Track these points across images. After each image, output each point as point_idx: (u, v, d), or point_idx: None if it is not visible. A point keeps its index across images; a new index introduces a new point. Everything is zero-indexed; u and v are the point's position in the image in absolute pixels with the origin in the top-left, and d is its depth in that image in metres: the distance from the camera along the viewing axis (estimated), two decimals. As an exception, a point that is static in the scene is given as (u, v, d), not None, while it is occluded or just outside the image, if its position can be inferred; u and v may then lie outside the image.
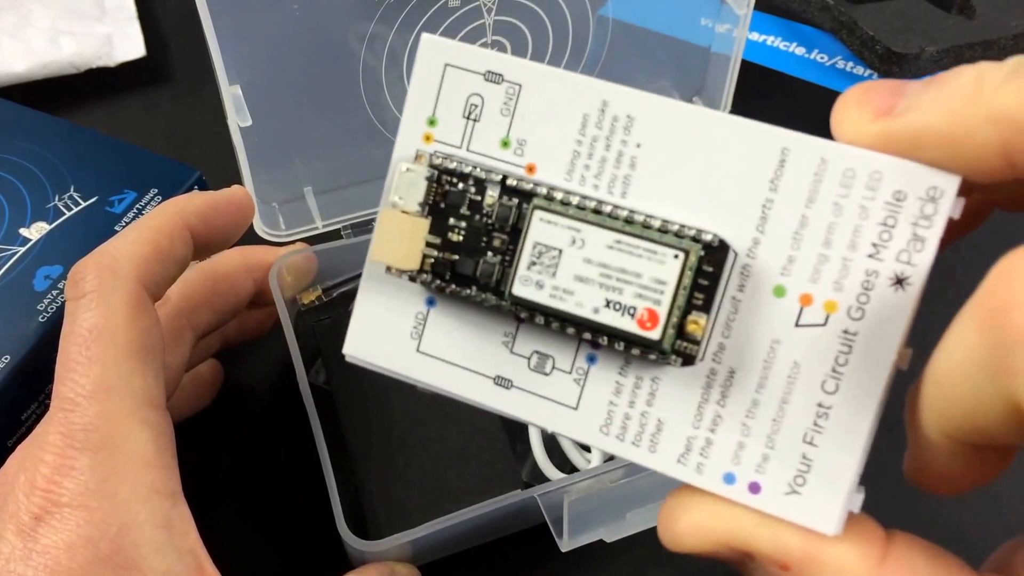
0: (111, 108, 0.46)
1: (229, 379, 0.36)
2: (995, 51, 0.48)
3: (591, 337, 0.18)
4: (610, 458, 0.33)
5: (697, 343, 0.17)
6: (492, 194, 0.18)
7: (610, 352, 0.18)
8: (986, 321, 0.13)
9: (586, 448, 0.34)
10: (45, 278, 0.31)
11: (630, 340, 0.17)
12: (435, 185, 0.18)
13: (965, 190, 0.16)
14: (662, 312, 0.17)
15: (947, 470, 0.16)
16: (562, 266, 0.17)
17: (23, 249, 0.32)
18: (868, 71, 0.49)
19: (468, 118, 0.18)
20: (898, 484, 0.18)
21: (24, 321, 0.30)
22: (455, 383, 0.19)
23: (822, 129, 0.17)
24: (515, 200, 0.18)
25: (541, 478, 0.33)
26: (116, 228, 0.32)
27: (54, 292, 0.30)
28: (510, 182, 0.18)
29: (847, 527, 0.17)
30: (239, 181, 0.36)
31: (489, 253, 0.18)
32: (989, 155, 0.15)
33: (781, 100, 0.48)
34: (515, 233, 0.18)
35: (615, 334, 0.17)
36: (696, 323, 0.17)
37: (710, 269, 0.17)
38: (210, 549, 0.24)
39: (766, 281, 0.17)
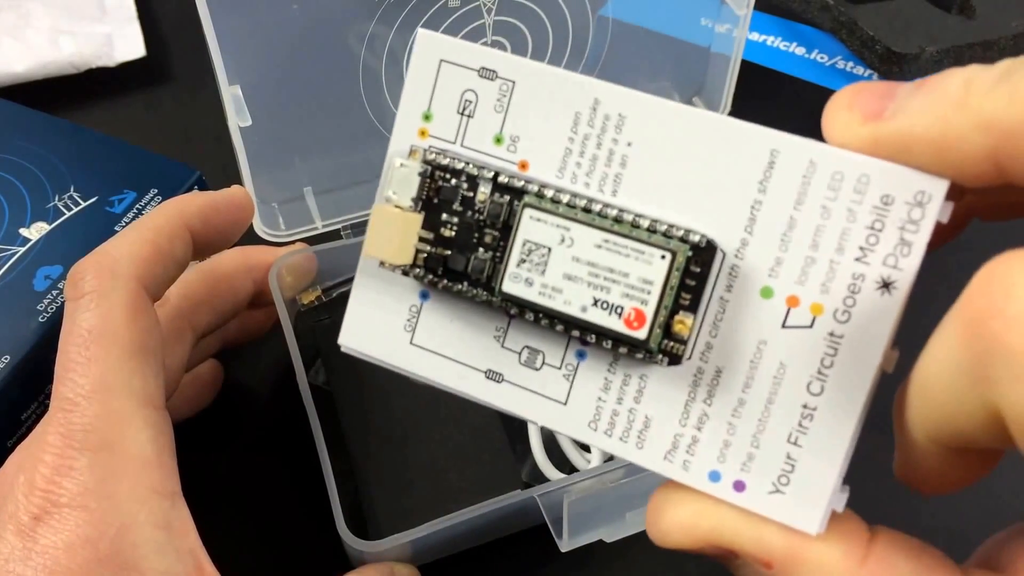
0: (111, 108, 0.46)
1: (229, 379, 0.36)
2: (995, 51, 0.48)
3: (580, 335, 0.18)
4: (610, 458, 0.33)
5: (684, 343, 0.17)
6: (484, 191, 0.18)
7: (599, 349, 0.18)
8: (967, 330, 0.13)
9: (586, 448, 0.34)
10: (45, 278, 0.31)
11: (617, 339, 0.17)
12: (428, 181, 0.18)
13: (955, 194, 0.16)
14: (649, 312, 0.17)
15: (933, 471, 0.17)
16: (551, 264, 0.17)
17: (23, 249, 0.32)
18: (868, 71, 0.49)
19: (462, 114, 0.18)
20: (891, 475, 0.18)
21: (24, 321, 0.30)
22: (447, 376, 0.19)
23: (822, 130, 0.17)
24: (506, 197, 0.18)
25: (541, 478, 0.33)
26: (116, 228, 0.32)
27: (54, 292, 0.30)
28: (502, 179, 0.18)
29: (830, 526, 0.17)
30: (239, 181, 0.36)
31: (480, 249, 0.18)
32: (977, 161, 0.15)
33: (781, 100, 0.48)
34: (506, 230, 0.18)
35: (602, 333, 0.17)
36: (683, 323, 0.17)
37: (697, 270, 0.17)
38: (209, 549, 0.24)
39: (754, 282, 0.17)
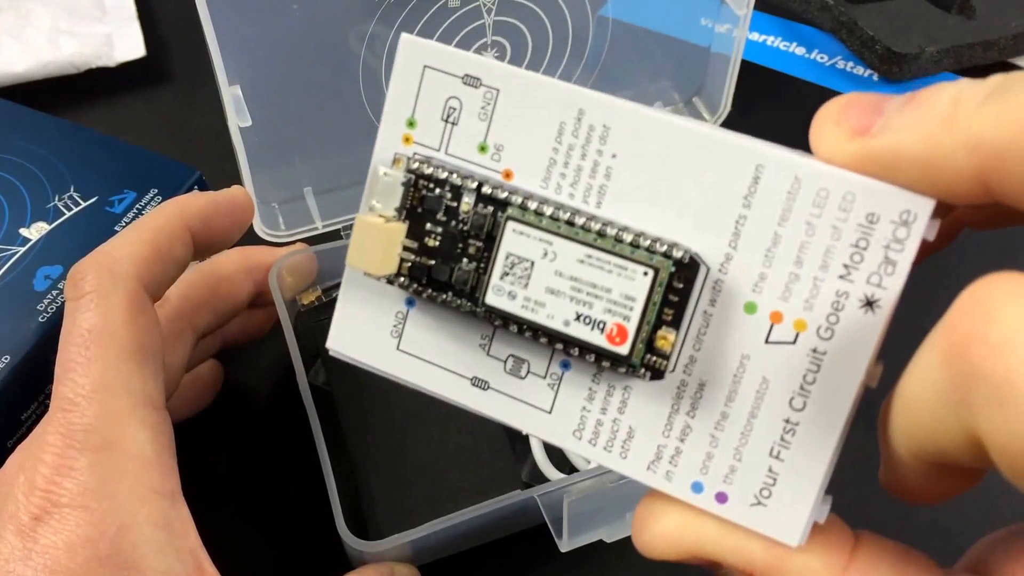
0: (111, 108, 0.46)
1: (229, 379, 0.36)
2: (995, 51, 0.48)
3: (563, 348, 0.18)
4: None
5: (666, 358, 0.17)
6: (468, 201, 0.18)
7: (582, 362, 0.18)
8: (948, 355, 0.13)
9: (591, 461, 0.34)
10: (45, 278, 0.31)
11: (600, 353, 0.17)
12: (412, 190, 0.18)
13: (941, 210, 0.16)
14: (631, 328, 0.17)
15: (916, 485, 0.17)
16: (534, 278, 0.17)
17: (23, 249, 0.32)
18: (868, 71, 0.49)
19: (447, 121, 0.18)
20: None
21: (24, 321, 0.30)
22: (434, 382, 0.19)
23: (810, 142, 0.17)
24: (490, 208, 0.18)
25: (541, 478, 0.33)
26: (116, 228, 0.32)
27: (54, 292, 0.30)
28: (485, 189, 0.18)
29: (812, 535, 0.17)
30: (239, 181, 0.36)
31: (464, 260, 0.18)
32: (964, 180, 0.14)
33: (781, 100, 0.48)
34: (490, 240, 0.18)
35: (585, 347, 0.17)
36: (665, 339, 0.17)
37: (680, 285, 0.17)
38: (210, 549, 0.24)
39: (737, 297, 0.17)
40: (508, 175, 0.18)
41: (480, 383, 0.19)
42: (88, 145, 0.35)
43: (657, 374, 0.17)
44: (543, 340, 0.18)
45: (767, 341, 0.17)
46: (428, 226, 0.18)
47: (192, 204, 0.27)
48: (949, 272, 0.16)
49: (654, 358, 0.17)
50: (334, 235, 0.38)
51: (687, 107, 0.44)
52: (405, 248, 0.18)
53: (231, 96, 0.33)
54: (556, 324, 0.17)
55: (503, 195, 0.18)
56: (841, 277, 0.16)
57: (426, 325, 0.19)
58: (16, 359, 0.29)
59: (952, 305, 0.14)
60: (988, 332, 0.13)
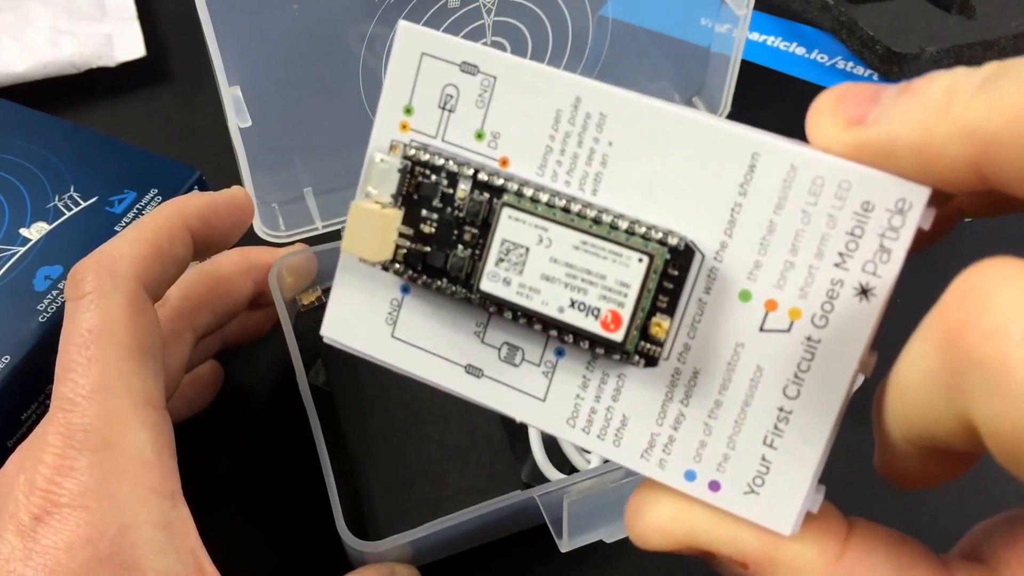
0: (111, 108, 0.46)
1: (229, 380, 0.36)
2: (995, 51, 0.48)
3: (557, 334, 0.18)
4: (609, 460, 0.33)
5: (660, 345, 0.17)
6: (464, 188, 0.18)
7: (577, 349, 0.18)
8: (941, 340, 0.13)
9: (585, 449, 0.34)
10: (45, 278, 0.31)
11: (594, 340, 0.17)
12: (408, 176, 0.18)
13: (938, 200, 0.16)
14: (625, 314, 0.17)
15: (910, 470, 0.17)
16: (529, 264, 0.17)
17: (23, 249, 0.32)
18: (868, 71, 0.49)
19: (444, 108, 0.18)
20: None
21: (24, 321, 0.30)
22: (428, 369, 0.19)
23: (806, 131, 0.17)
24: (486, 195, 0.18)
25: (541, 479, 0.33)
26: (116, 228, 0.32)
27: (54, 292, 0.30)
28: (481, 176, 0.18)
29: (806, 524, 0.17)
30: (239, 181, 0.36)
31: (460, 246, 0.18)
32: (959, 168, 0.14)
33: (781, 100, 0.48)
34: (485, 227, 0.18)
35: (579, 334, 0.17)
36: (660, 326, 0.17)
37: (675, 273, 0.17)
38: (210, 549, 0.24)
39: (732, 285, 0.17)
40: (504, 162, 0.18)
41: (474, 371, 0.19)
42: (88, 145, 0.35)
43: (651, 361, 0.17)
44: (537, 327, 0.18)
45: (762, 329, 0.17)
46: (424, 213, 0.18)
47: (192, 204, 0.27)
48: (945, 262, 0.16)
49: (648, 345, 0.17)
50: (334, 235, 0.38)
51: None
52: (401, 235, 0.18)
53: (231, 97, 0.33)
54: (550, 311, 0.17)
55: (499, 182, 0.18)
56: (836, 265, 0.16)
57: (421, 312, 0.19)
58: (16, 359, 0.29)
59: (946, 291, 0.14)
60: (982, 318, 0.13)
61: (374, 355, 0.20)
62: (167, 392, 0.26)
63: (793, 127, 0.17)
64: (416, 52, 0.18)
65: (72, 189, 0.33)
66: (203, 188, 0.35)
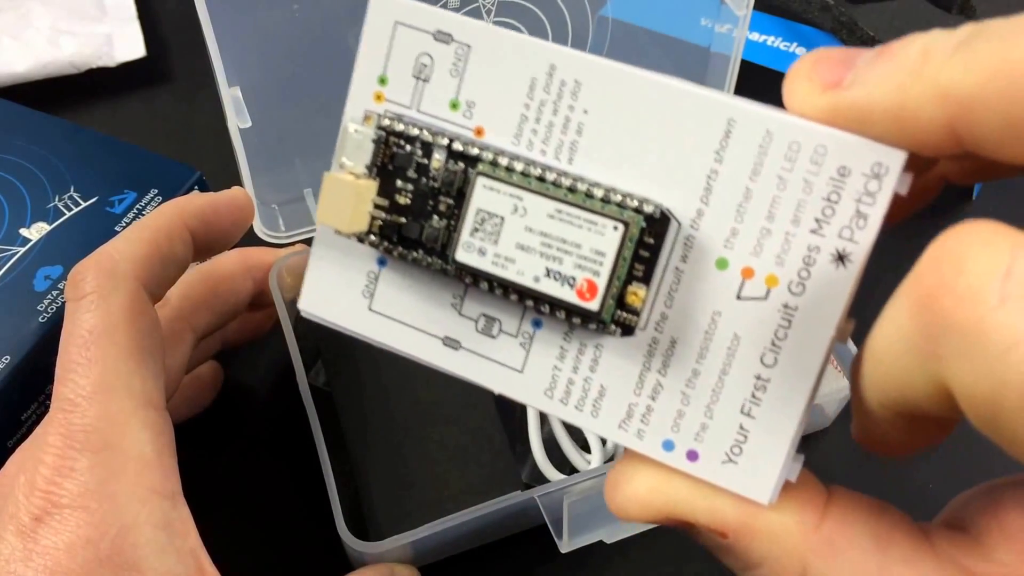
0: (111, 108, 0.46)
1: (229, 380, 0.36)
2: (995, 51, 0.48)
3: (534, 305, 0.18)
4: (610, 459, 0.33)
5: (636, 314, 0.17)
6: (438, 158, 0.18)
7: (553, 319, 0.18)
8: (917, 305, 0.13)
9: (586, 449, 0.34)
10: (45, 278, 0.31)
11: (570, 310, 0.17)
12: (383, 147, 0.18)
13: (917, 166, 0.16)
14: (601, 283, 0.17)
15: (887, 437, 0.17)
16: (504, 234, 0.17)
17: (23, 249, 0.32)
18: (868, 71, 0.49)
19: (418, 78, 0.18)
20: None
21: (24, 321, 0.30)
22: (405, 342, 0.19)
23: (783, 97, 0.17)
24: (461, 165, 0.18)
25: (541, 479, 0.33)
26: (116, 228, 0.32)
27: (54, 292, 0.30)
28: (456, 146, 0.18)
29: (784, 493, 0.17)
30: (239, 182, 0.36)
31: (435, 217, 0.18)
32: (935, 131, 0.14)
33: (781, 100, 0.48)
34: (460, 197, 0.18)
35: (555, 303, 0.17)
36: (636, 294, 0.17)
37: (651, 241, 0.17)
38: (210, 550, 0.24)
39: (709, 253, 0.17)
40: (480, 132, 0.18)
41: (452, 343, 0.19)
42: (88, 145, 0.35)
43: (627, 330, 0.17)
44: (513, 297, 0.18)
45: (738, 297, 0.17)
46: (399, 183, 0.18)
47: (192, 205, 0.27)
48: (922, 231, 0.15)
49: (624, 314, 0.17)
50: (334, 235, 0.37)
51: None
52: (376, 206, 0.18)
53: (231, 98, 0.33)
54: (526, 280, 0.17)
55: (474, 151, 0.17)
56: (812, 232, 0.16)
57: (398, 285, 0.19)
58: (16, 359, 0.29)
59: (922, 255, 0.14)
60: (957, 281, 0.13)
61: (352, 328, 0.19)
62: (167, 392, 0.26)
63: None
64: (390, 21, 0.18)
65: (72, 189, 0.33)
66: (203, 188, 0.35)
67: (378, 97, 0.18)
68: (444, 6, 0.35)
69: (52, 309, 0.30)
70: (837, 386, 0.33)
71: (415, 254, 0.18)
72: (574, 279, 0.17)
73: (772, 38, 0.51)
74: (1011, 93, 0.13)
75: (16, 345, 0.29)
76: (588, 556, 0.32)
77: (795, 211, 0.16)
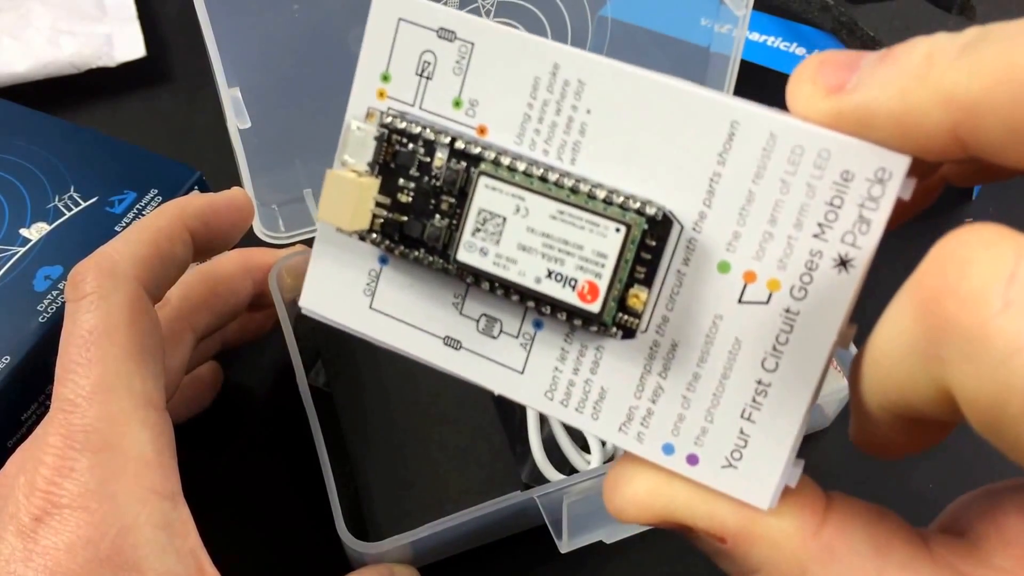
0: (111, 108, 0.46)
1: (229, 381, 0.36)
2: (995, 52, 0.48)
3: (534, 306, 0.17)
4: (610, 459, 0.33)
5: (638, 317, 0.17)
6: (441, 156, 0.18)
7: (554, 320, 0.18)
8: (919, 308, 0.13)
9: (585, 449, 0.34)
10: (45, 278, 0.31)
11: (571, 312, 0.17)
12: (385, 144, 0.18)
13: (920, 171, 0.16)
14: (602, 285, 0.17)
15: (885, 439, 0.16)
16: (506, 234, 0.17)
17: (23, 249, 0.32)
18: (868, 71, 0.49)
19: (421, 76, 0.18)
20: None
21: (24, 321, 0.30)
22: (406, 341, 0.19)
23: (786, 101, 0.17)
24: (463, 163, 0.17)
25: (540, 479, 0.33)
26: (116, 228, 0.32)
27: (54, 292, 0.30)
28: (458, 145, 0.17)
29: (784, 498, 0.17)
30: (239, 182, 0.36)
31: (437, 216, 0.18)
32: (939, 135, 0.14)
33: (781, 100, 0.48)
34: (462, 196, 0.18)
35: (556, 305, 0.17)
36: (637, 297, 0.17)
37: (653, 243, 0.17)
38: (210, 550, 0.24)
39: (711, 256, 0.17)
40: (482, 131, 0.18)
41: (452, 343, 0.19)
42: (88, 145, 0.35)
43: (629, 333, 0.17)
44: (514, 298, 0.17)
45: (740, 301, 0.17)
46: (401, 182, 0.18)
47: (192, 205, 0.27)
48: (921, 232, 0.15)
49: (626, 317, 0.17)
50: (334, 236, 0.37)
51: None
52: (377, 204, 0.18)
53: (230, 98, 0.33)
54: (527, 281, 0.17)
55: (476, 150, 0.17)
56: (815, 236, 0.16)
57: (399, 283, 0.19)
58: (16, 359, 0.29)
59: (925, 257, 0.13)
60: (960, 285, 0.13)
61: (352, 327, 0.19)
62: (167, 393, 0.26)
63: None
64: (393, 18, 0.18)
65: (72, 189, 0.33)
66: (203, 189, 0.35)
67: (381, 94, 0.18)
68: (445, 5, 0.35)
69: (52, 309, 0.30)
70: (837, 386, 0.33)
71: (416, 253, 0.18)
72: (575, 281, 0.17)
73: (772, 38, 0.51)
74: (1016, 98, 0.13)
75: (16, 345, 0.29)
76: (588, 556, 0.32)
77: (798, 215, 0.16)
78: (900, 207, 0.16)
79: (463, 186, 0.18)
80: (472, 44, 0.18)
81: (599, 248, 0.17)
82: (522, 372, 0.18)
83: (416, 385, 0.33)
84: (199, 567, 0.24)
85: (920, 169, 0.16)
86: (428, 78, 0.18)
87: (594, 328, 0.17)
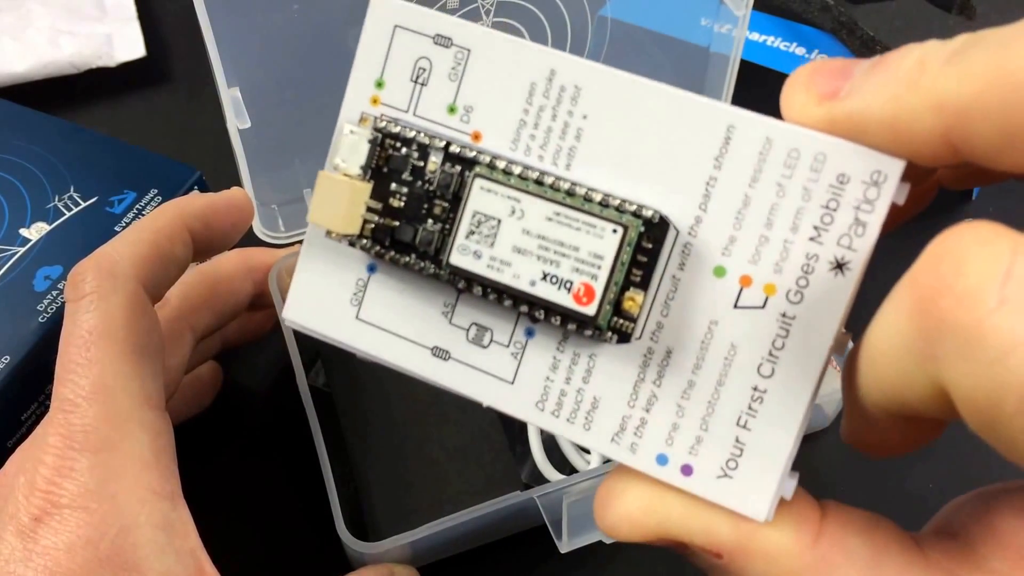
0: (111, 108, 0.46)
1: (229, 381, 0.36)
2: (995, 52, 0.48)
3: (528, 310, 0.17)
4: (609, 460, 0.33)
5: (633, 320, 0.17)
6: (435, 160, 0.17)
7: (548, 326, 0.18)
8: (914, 305, 0.13)
9: (585, 449, 0.34)
10: (45, 278, 0.31)
11: (566, 315, 0.17)
12: (378, 149, 0.18)
13: (913, 176, 0.16)
14: (598, 287, 0.16)
15: (879, 437, 0.16)
16: (500, 236, 0.17)
17: (23, 249, 0.32)
18: (868, 71, 0.49)
19: (416, 82, 0.18)
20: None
21: (24, 321, 0.30)
22: (392, 352, 0.19)
23: (780, 109, 0.17)
24: (457, 167, 0.17)
25: (540, 479, 0.33)
26: (116, 228, 0.32)
27: (54, 292, 0.30)
28: (453, 149, 0.17)
29: (780, 511, 0.16)
30: (238, 182, 0.36)
31: (430, 220, 0.18)
32: (932, 140, 0.14)
33: (779, 103, 0.48)
34: (456, 201, 0.17)
35: (551, 308, 0.17)
36: (633, 300, 0.17)
37: (649, 246, 0.16)
38: (210, 550, 0.24)
39: (707, 261, 0.17)
40: (477, 137, 0.18)
41: (441, 353, 0.18)
42: (88, 145, 0.35)
43: (624, 337, 0.17)
44: (507, 303, 0.17)
45: (736, 306, 0.17)
46: (393, 186, 0.18)
47: (192, 205, 0.27)
48: (921, 231, 0.15)
49: (621, 321, 0.17)
50: (334, 236, 0.37)
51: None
52: (369, 209, 0.18)
53: (230, 98, 0.33)
54: (522, 284, 0.17)
55: (471, 154, 0.17)
56: (811, 239, 0.16)
57: (387, 293, 0.19)
58: (16, 359, 0.29)
59: (920, 255, 0.13)
60: (956, 282, 0.13)
61: (337, 338, 0.19)
62: (167, 393, 0.26)
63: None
64: (389, 24, 0.18)
65: (72, 189, 0.33)
66: (203, 188, 0.35)
67: (374, 101, 0.18)
68: (443, 6, 0.35)
69: (52, 309, 0.30)
70: (836, 387, 0.33)
71: (407, 259, 0.18)
72: (571, 283, 0.17)
73: (772, 38, 0.51)
74: (1006, 102, 0.13)
75: (16, 345, 0.29)
76: (588, 556, 0.32)
77: (794, 218, 0.16)
78: (893, 212, 0.16)
79: (457, 190, 0.17)
80: (468, 50, 0.18)
81: (595, 249, 0.17)
82: (512, 382, 0.18)
83: (416, 385, 0.33)
84: (199, 567, 0.24)
85: (913, 174, 0.16)
86: (423, 84, 0.18)
87: (589, 332, 0.17)
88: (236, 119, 0.34)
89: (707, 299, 0.17)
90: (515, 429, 0.34)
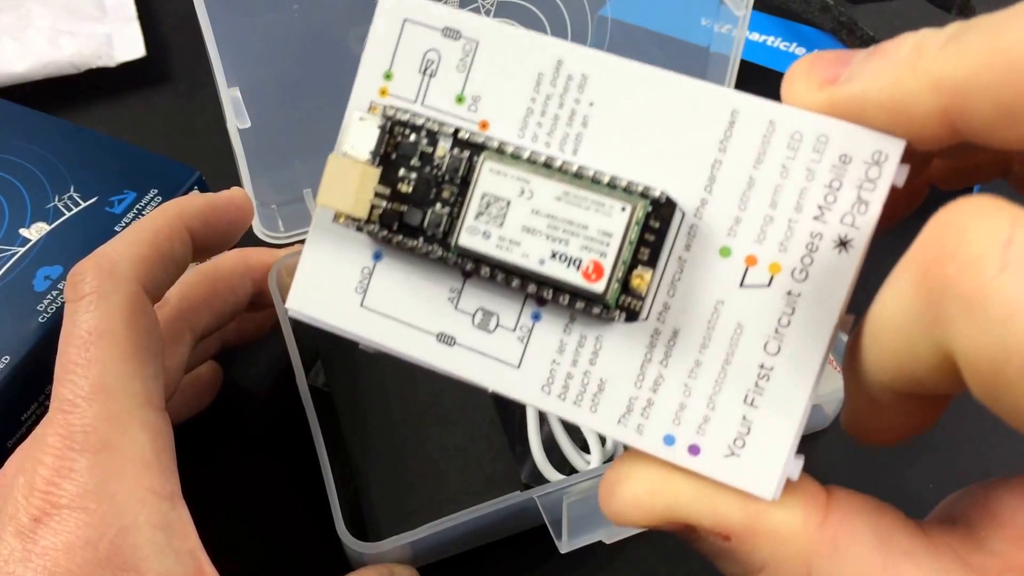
0: (111, 108, 0.46)
1: (228, 381, 0.36)
2: (995, 51, 0.48)
3: (536, 290, 0.17)
4: (609, 459, 0.33)
5: (641, 298, 0.17)
6: (444, 146, 0.18)
7: (555, 309, 0.18)
8: (920, 274, 0.14)
9: (585, 449, 0.34)
10: (45, 278, 0.31)
11: (574, 292, 0.17)
12: (387, 135, 0.18)
13: (913, 162, 0.16)
14: (607, 264, 0.17)
15: (882, 420, 0.17)
16: (510, 217, 0.17)
17: (23, 249, 0.32)
18: (868, 71, 0.49)
19: (424, 73, 0.18)
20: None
21: (24, 321, 0.30)
22: (398, 340, 0.19)
23: (781, 97, 0.17)
24: (466, 152, 0.18)
25: (540, 479, 0.33)
26: (116, 228, 0.32)
27: (54, 292, 0.30)
28: (462, 135, 0.18)
29: (787, 491, 0.17)
30: (238, 182, 0.36)
31: (438, 204, 0.18)
32: (931, 120, 0.15)
33: (781, 100, 0.48)
34: (465, 185, 0.18)
35: (560, 286, 0.17)
36: (641, 278, 0.17)
37: (657, 225, 0.17)
38: (209, 550, 0.24)
39: (712, 241, 0.17)
40: (484, 126, 0.18)
41: (446, 339, 0.18)
42: (88, 145, 0.35)
43: (632, 315, 0.17)
44: (515, 283, 0.17)
45: (742, 285, 0.17)
46: (402, 172, 0.18)
47: (191, 205, 0.27)
48: (920, 230, 0.16)
49: (629, 299, 0.17)
50: (334, 236, 0.37)
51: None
52: (377, 194, 0.18)
53: (230, 98, 0.33)
54: (531, 263, 0.17)
55: (480, 139, 0.18)
56: (815, 218, 0.16)
57: (392, 280, 0.19)
58: (16, 359, 0.29)
59: (924, 227, 0.14)
60: (959, 250, 0.13)
61: (341, 327, 0.19)
62: (167, 393, 0.26)
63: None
64: (399, 19, 0.18)
65: (72, 189, 0.33)
66: (203, 189, 0.35)
67: (383, 92, 0.19)
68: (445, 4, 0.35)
69: (52, 309, 0.30)
70: (836, 386, 0.33)
71: (415, 242, 0.18)
72: (580, 261, 0.17)
73: (772, 38, 0.51)
74: (1002, 79, 0.14)
75: (16, 345, 0.29)
76: (588, 556, 0.32)
77: (798, 198, 0.17)
78: (892, 200, 0.16)
79: (465, 175, 0.18)
80: (477, 42, 0.18)
81: (604, 227, 0.17)
82: (518, 366, 0.18)
83: (416, 385, 0.33)
84: (198, 567, 0.24)
85: (913, 158, 0.16)
86: (431, 75, 0.18)
87: (597, 310, 0.17)
88: (236, 119, 0.34)
89: (713, 279, 0.17)
90: (515, 429, 0.34)
